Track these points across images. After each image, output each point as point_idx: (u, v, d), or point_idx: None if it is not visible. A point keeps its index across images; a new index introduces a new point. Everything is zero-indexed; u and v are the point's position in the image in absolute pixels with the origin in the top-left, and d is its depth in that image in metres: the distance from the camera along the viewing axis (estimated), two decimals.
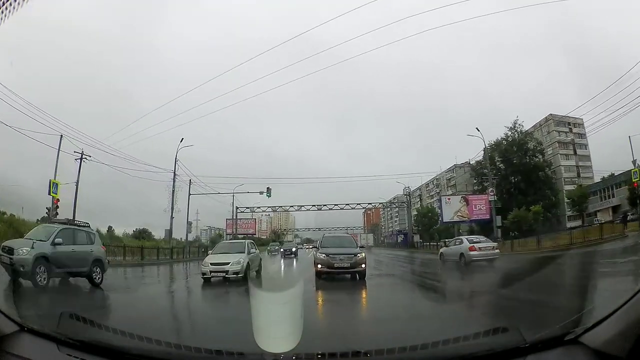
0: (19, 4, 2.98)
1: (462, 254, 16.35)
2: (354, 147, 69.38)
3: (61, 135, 23.07)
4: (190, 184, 33.01)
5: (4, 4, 2.94)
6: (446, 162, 57.07)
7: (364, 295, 9.44)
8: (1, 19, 2.82)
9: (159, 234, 38.05)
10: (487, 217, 32.07)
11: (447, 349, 2.38)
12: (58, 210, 21.58)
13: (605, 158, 37.72)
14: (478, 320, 5.57)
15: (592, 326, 1.72)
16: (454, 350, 2.37)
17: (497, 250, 16.68)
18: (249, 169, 59.47)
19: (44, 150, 23.48)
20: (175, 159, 31.15)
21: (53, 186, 21.65)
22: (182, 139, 31.31)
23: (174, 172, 31.11)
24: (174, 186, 31.05)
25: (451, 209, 34.97)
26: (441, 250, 19.64)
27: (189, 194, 33.03)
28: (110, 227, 33.42)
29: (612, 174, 35.68)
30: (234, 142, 61.85)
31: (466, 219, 34.56)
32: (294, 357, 2.25)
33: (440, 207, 36.88)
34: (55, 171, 22.42)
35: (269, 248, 36.32)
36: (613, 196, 34.84)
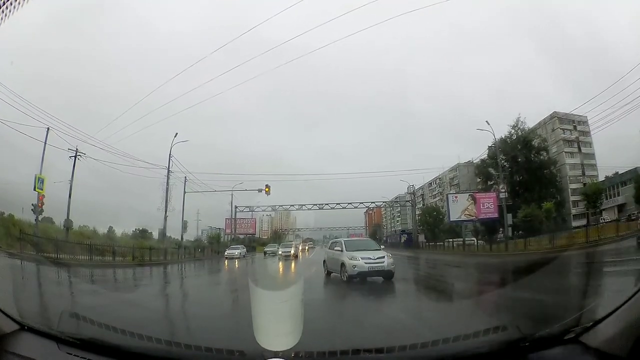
0: (19, 3, 2.98)
1: None
2: (357, 146, 68.88)
3: (48, 128, 22.44)
4: (185, 181, 32.48)
5: (4, 3, 2.94)
6: (440, 163, 56.76)
7: None
8: (1, 18, 2.82)
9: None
10: (496, 215, 31.78)
11: (447, 348, 2.36)
12: (43, 207, 21.06)
13: (606, 156, 37.34)
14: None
15: (591, 325, 1.71)
16: (454, 349, 2.35)
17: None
18: (248, 167, 59.05)
19: (35, 147, 22.81)
20: (170, 154, 30.43)
21: (38, 181, 20.84)
22: (177, 133, 30.53)
23: (168, 169, 30.37)
24: (167, 183, 30.33)
25: (458, 208, 34.60)
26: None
27: (184, 192, 32.53)
28: (110, 227, 33.44)
29: (617, 173, 35.42)
30: (231, 142, 61.32)
31: (474, 217, 34.16)
32: (293, 355, 2.25)
33: (447, 206, 36.46)
34: (42, 165, 21.83)
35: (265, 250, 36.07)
36: (618, 195, 34.58)
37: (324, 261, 14.34)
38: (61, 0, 47.68)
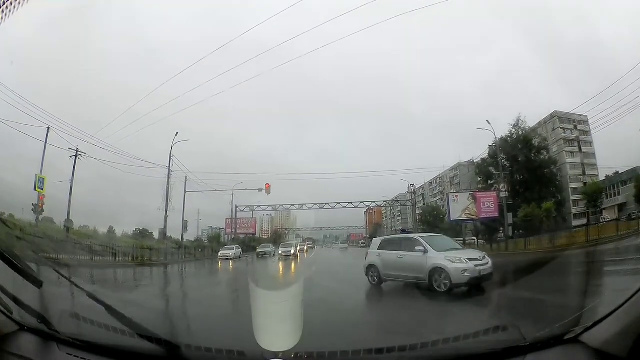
0: (19, 3, 2.98)
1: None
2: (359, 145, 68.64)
3: (48, 128, 22.48)
4: (186, 180, 32.47)
5: (4, 3, 2.93)
6: (441, 162, 56.67)
7: None
8: (1, 18, 2.81)
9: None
10: (496, 214, 31.76)
11: (447, 348, 2.36)
12: (44, 207, 21.05)
13: (606, 156, 37.32)
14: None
15: (592, 325, 1.70)
16: (455, 349, 2.35)
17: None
18: (248, 168, 58.80)
19: (36, 146, 22.74)
20: (170, 154, 30.49)
21: (39, 181, 20.72)
22: (177, 133, 30.60)
23: (169, 168, 30.48)
24: (168, 183, 30.36)
25: (459, 207, 34.53)
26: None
27: (185, 191, 32.49)
28: (111, 227, 33.36)
29: (617, 172, 35.45)
30: (231, 143, 61.16)
31: (474, 217, 34.07)
32: (293, 356, 2.25)
33: (448, 205, 36.38)
34: (42, 165, 21.77)
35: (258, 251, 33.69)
36: (619, 194, 34.60)
37: (370, 266, 11.24)
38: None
